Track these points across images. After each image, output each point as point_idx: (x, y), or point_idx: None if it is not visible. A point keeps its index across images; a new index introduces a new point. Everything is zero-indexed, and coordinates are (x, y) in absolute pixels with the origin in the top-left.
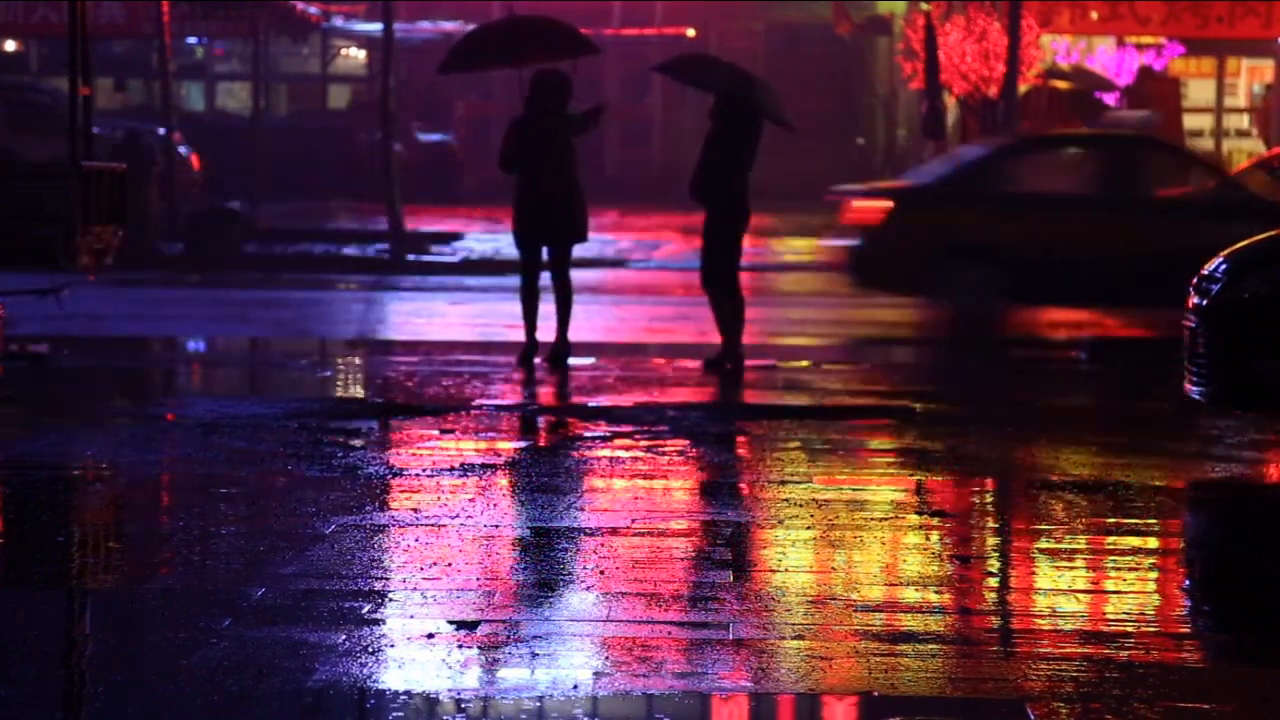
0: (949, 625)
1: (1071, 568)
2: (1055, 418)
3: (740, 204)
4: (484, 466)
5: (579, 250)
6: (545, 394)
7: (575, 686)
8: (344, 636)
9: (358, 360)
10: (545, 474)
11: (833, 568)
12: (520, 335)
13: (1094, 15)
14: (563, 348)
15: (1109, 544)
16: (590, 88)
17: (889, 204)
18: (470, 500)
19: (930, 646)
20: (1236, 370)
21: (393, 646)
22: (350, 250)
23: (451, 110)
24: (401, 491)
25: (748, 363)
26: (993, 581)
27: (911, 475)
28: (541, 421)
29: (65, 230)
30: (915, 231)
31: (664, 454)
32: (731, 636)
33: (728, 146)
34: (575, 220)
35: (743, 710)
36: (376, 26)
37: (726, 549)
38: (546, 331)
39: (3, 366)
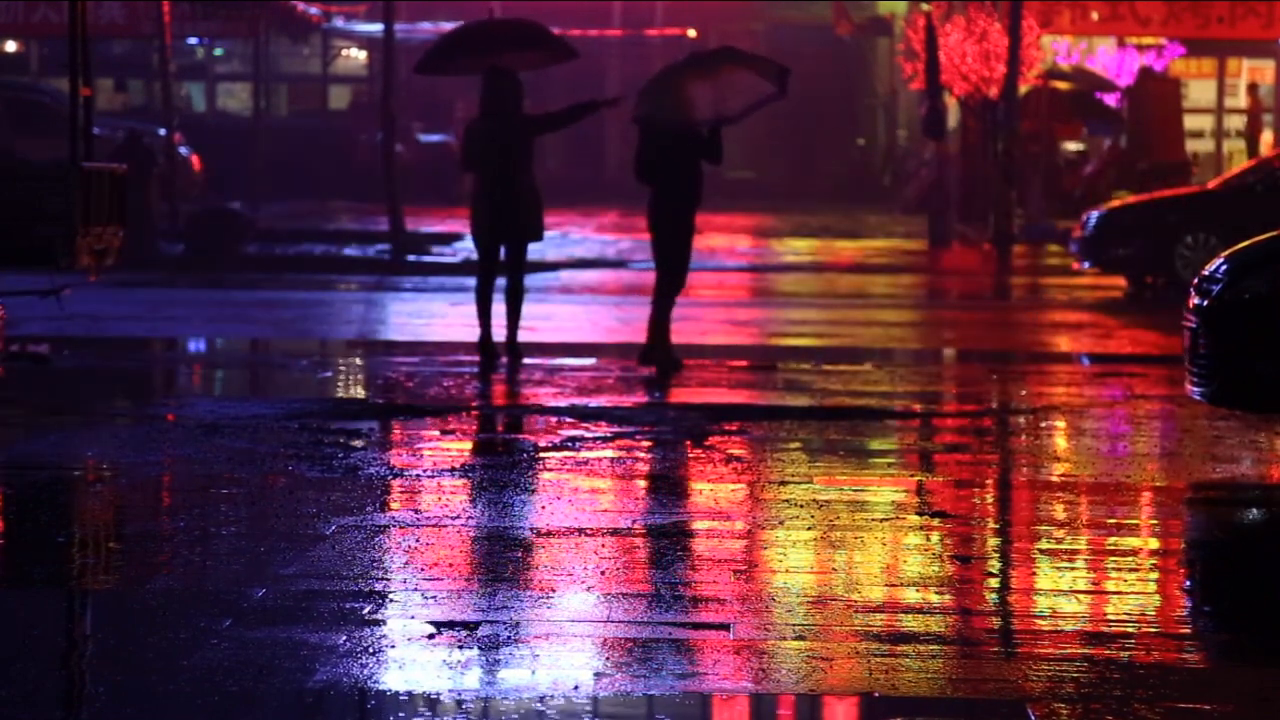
0: (950, 626)
1: (1072, 568)
2: (1055, 418)
3: (659, 203)
4: (484, 467)
5: (580, 251)
6: (545, 394)
7: (576, 687)
8: (344, 637)
9: (358, 361)
10: (545, 474)
11: (833, 568)
12: (520, 336)
13: (1094, 16)
14: (515, 347)
15: (1109, 544)
16: (591, 88)
17: None
18: (470, 500)
19: (931, 647)
20: (1237, 370)
21: (393, 647)
22: (351, 251)
23: (452, 111)
24: (402, 492)
25: (744, 362)
26: (993, 582)
27: (912, 475)
28: (541, 422)
29: (66, 231)
30: None
31: (664, 454)
32: (732, 637)
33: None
34: (532, 220)
35: (743, 711)
36: (377, 27)
37: (727, 549)
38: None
39: (3, 367)
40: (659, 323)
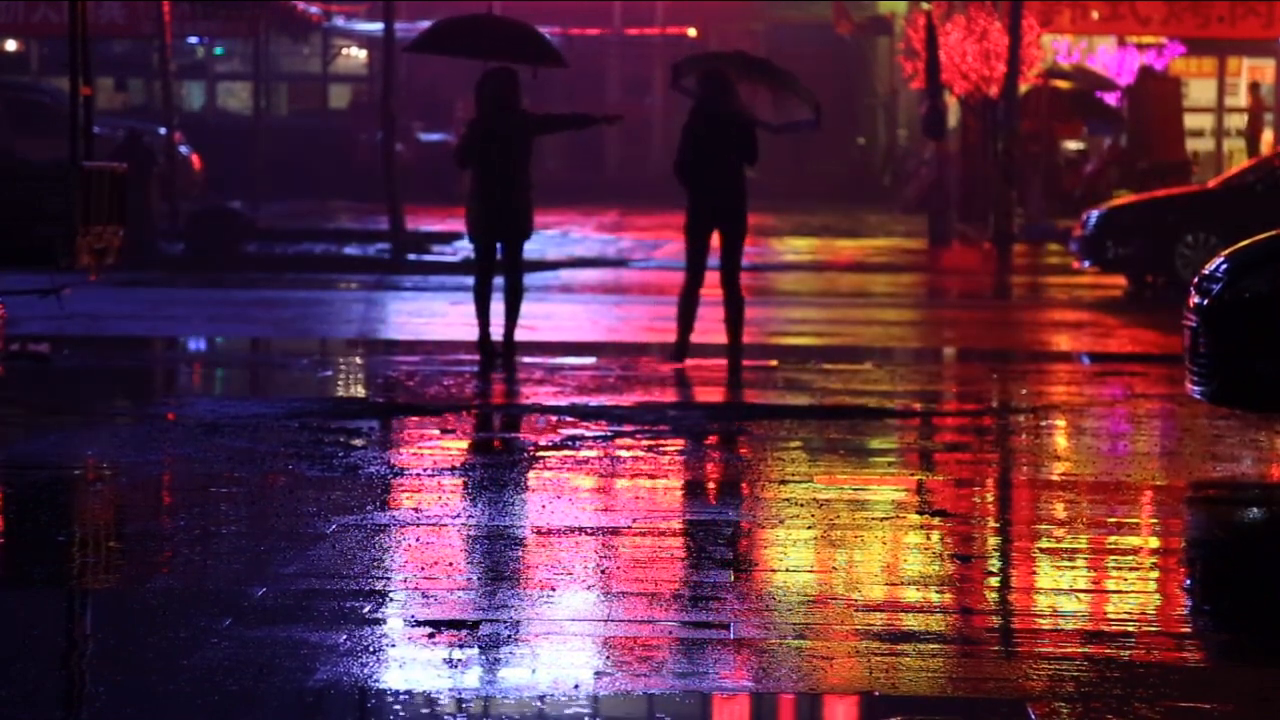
0: (950, 625)
1: (1072, 568)
2: (1055, 417)
3: (690, 200)
4: (484, 466)
5: (581, 250)
6: (545, 393)
7: (576, 686)
8: (345, 636)
9: (358, 360)
10: (545, 473)
11: (834, 567)
12: (520, 335)
13: (1095, 15)
14: (511, 346)
15: (1109, 544)
16: (592, 87)
17: None
18: (470, 500)
19: (931, 646)
20: (1237, 369)
21: (393, 646)
22: (351, 250)
23: (452, 110)
24: (402, 491)
25: (745, 362)
26: (993, 581)
27: (912, 474)
28: (542, 421)
29: (66, 230)
30: None
31: (664, 454)
32: (732, 636)
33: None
34: (527, 217)
35: (744, 710)
36: (377, 26)
37: (727, 549)
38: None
39: (3, 366)
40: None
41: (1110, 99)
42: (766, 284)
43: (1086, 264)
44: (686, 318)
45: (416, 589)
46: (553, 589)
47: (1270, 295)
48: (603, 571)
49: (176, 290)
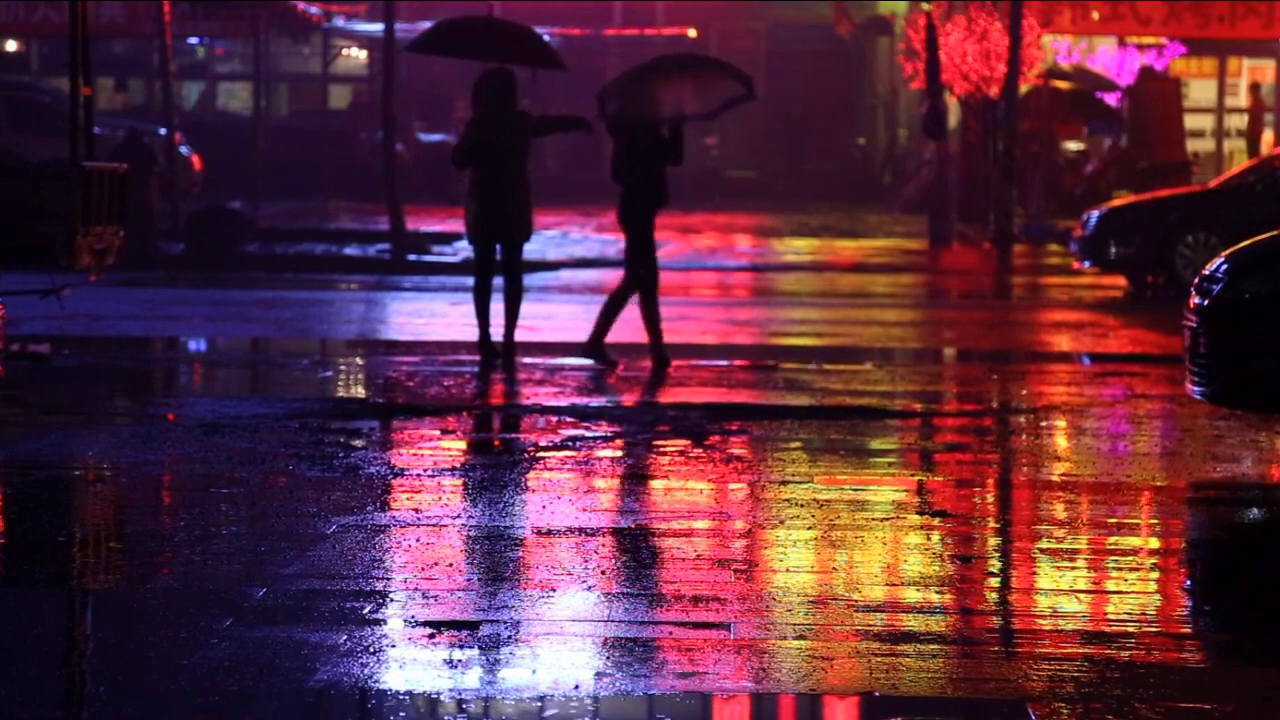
0: (950, 625)
1: (1072, 568)
2: (1055, 417)
3: (623, 201)
4: (484, 466)
5: (581, 250)
6: (545, 394)
7: (576, 686)
8: (345, 636)
9: (359, 360)
10: (545, 473)
11: (834, 568)
12: (520, 335)
13: (1095, 15)
14: (511, 346)
15: (1109, 544)
16: (592, 87)
17: None
18: (470, 500)
19: (931, 646)
20: (1238, 370)
21: (393, 646)
22: (351, 250)
23: (452, 110)
24: (402, 491)
25: (744, 362)
26: (994, 581)
27: (912, 475)
28: (542, 421)
29: (67, 230)
30: None
31: (664, 454)
32: (732, 636)
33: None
34: (525, 218)
35: (744, 710)
36: (377, 26)
37: (727, 549)
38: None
39: (4, 366)
40: (606, 317)
41: (1110, 99)
42: (767, 284)
43: (1087, 264)
44: (653, 319)
45: (416, 589)
46: (553, 589)
47: (1270, 295)
48: (603, 571)
49: (176, 290)
